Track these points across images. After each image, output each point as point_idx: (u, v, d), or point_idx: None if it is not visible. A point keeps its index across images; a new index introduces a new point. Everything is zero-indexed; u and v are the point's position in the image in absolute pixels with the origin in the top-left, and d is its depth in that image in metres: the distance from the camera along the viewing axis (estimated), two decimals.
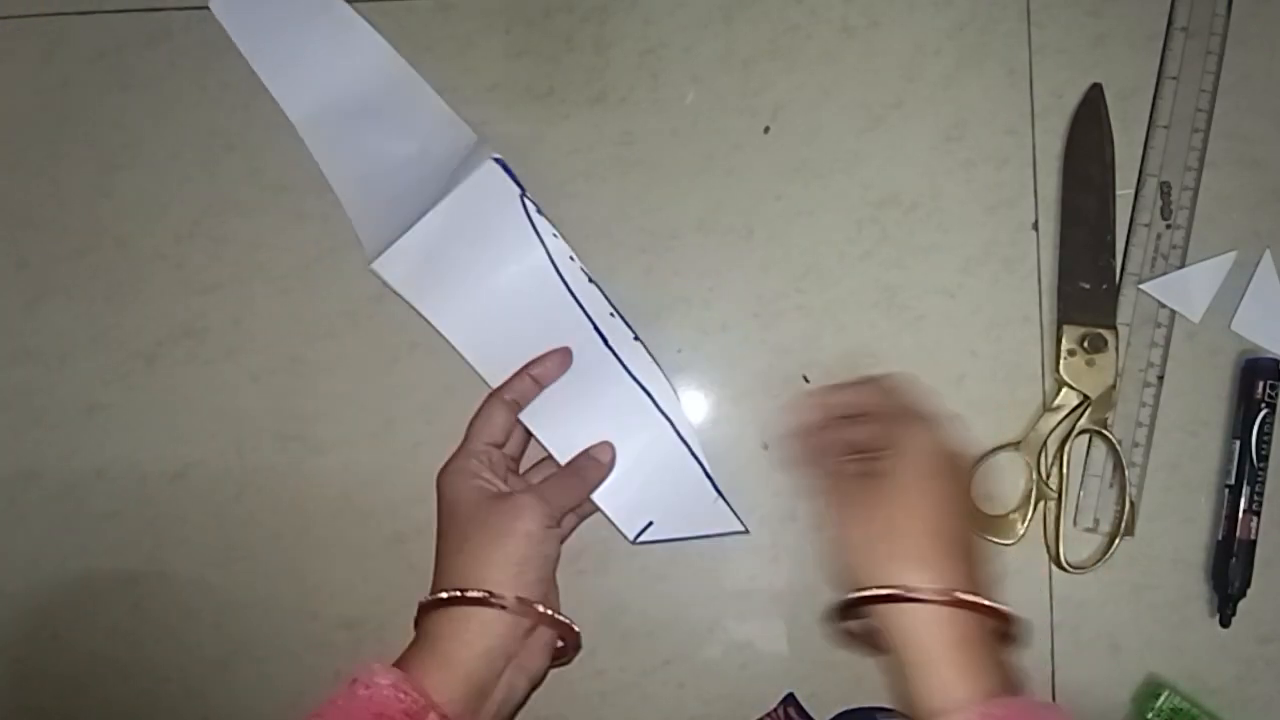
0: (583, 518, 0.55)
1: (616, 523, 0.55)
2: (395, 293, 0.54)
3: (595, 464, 0.53)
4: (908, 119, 0.58)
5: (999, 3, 0.58)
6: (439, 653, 0.46)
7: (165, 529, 0.58)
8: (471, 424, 0.52)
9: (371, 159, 0.58)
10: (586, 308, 0.55)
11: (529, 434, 0.54)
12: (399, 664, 0.45)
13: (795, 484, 0.54)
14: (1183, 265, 0.56)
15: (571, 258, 0.55)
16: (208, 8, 0.58)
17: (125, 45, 0.59)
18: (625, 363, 0.55)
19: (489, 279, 0.55)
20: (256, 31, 0.58)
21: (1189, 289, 0.56)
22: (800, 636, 0.56)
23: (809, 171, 0.58)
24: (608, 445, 0.54)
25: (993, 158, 0.57)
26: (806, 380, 0.57)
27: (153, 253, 0.59)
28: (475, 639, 0.46)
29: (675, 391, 0.56)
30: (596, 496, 0.54)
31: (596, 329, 0.55)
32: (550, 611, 0.48)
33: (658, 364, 0.56)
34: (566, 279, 0.55)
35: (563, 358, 0.54)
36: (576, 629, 0.50)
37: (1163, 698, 0.54)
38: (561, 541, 0.53)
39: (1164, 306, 0.56)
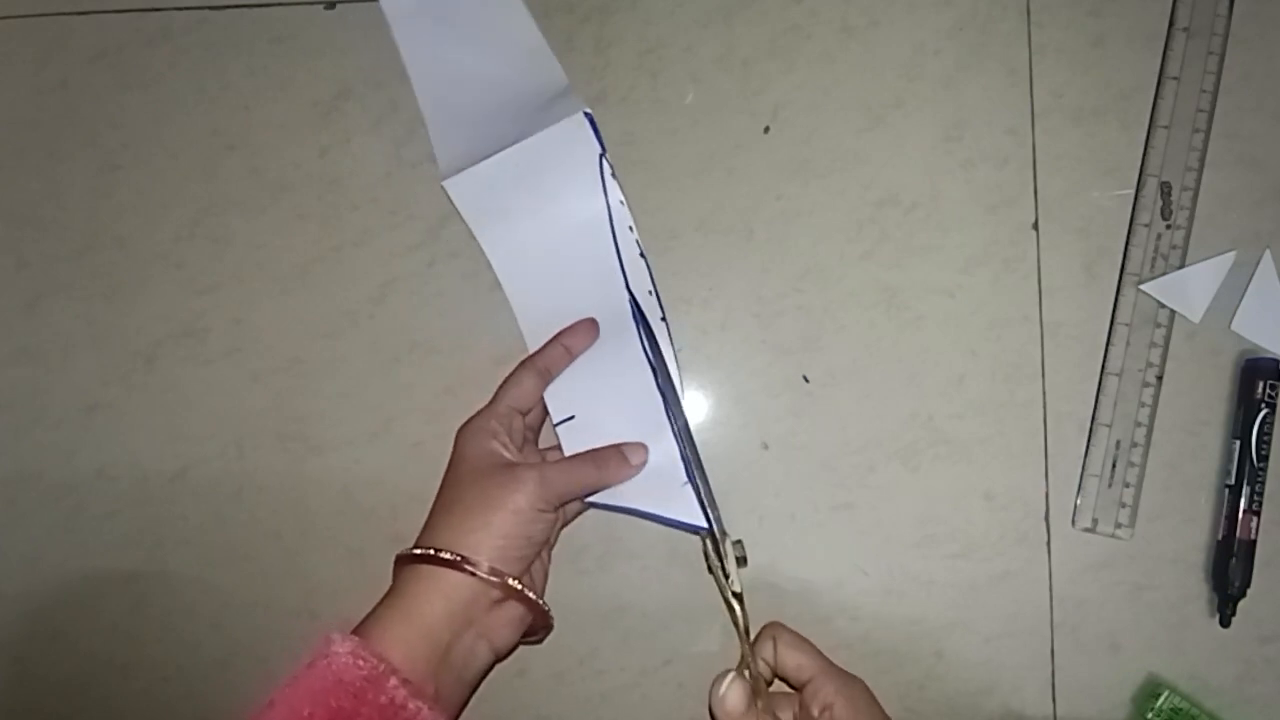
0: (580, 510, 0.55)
1: None
2: (458, 214, 0.56)
3: (620, 461, 0.52)
4: (908, 119, 0.58)
5: (999, 3, 0.58)
6: (402, 609, 0.46)
7: (165, 529, 0.58)
8: (501, 386, 0.53)
9: (461, 70, 0.57)
10: (630, 278, 0.56)
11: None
12: (370, 615, 0.46)
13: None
14: (1183, 265, 0.56)
15: (631, 228, 0.56)
16: (208, 8, 0.58)
17: (125, 45, 0.59)
18: (643, 338, 0.55)
19: (550, 225, 0.56)
20: None
21: (1189, 289, 0.56)
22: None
23: (809, 171, 0.58)
24: (641, 448, 0.53)
25: (993, 158, 0.57)
26: (806, 380, 0.57)
27: (153, 253, 0.59)
28: (439, 599, 0.46)
29: (680, 378, 0.55)
30: (561, 431, 0.54)
31: (633, 299, 0.55)
32: (520, 587, 0.48)
33: (674, 348, 0.55)
34: (620, 245, 0.56)
35: (590, 328, 0.55)
36: (547, 608, 0.50)
37: (1163, 698, 0.54)
38: (557, 526, 0.54)
39: (1163, 306, 0.56)
